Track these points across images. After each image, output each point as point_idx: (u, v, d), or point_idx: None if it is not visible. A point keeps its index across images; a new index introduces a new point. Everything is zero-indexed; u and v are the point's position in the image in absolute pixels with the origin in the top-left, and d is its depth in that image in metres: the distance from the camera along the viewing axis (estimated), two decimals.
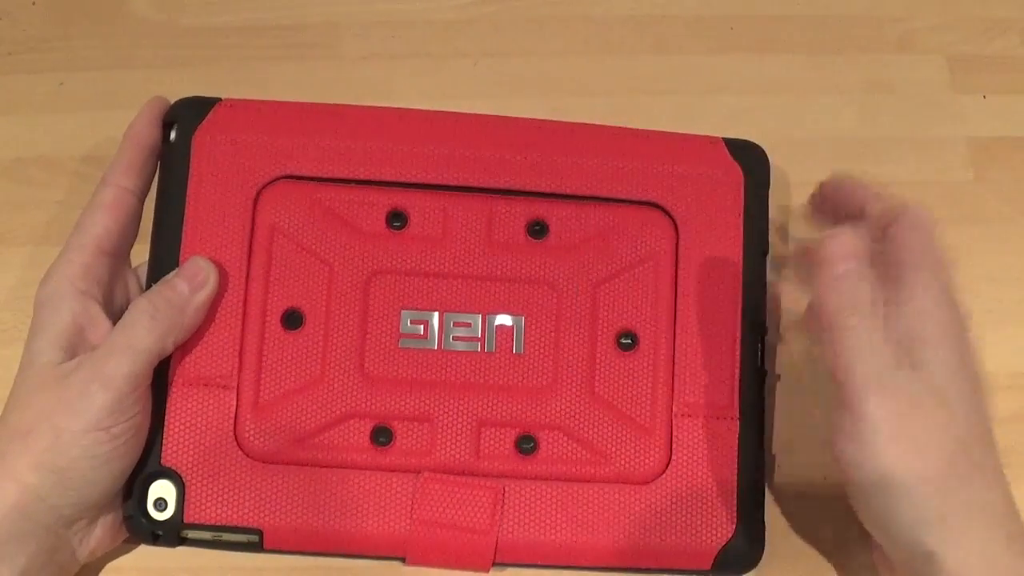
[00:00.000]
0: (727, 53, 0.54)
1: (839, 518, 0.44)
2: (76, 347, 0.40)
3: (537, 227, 0.44)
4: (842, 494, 0.44)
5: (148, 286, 0.42)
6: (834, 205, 0.43)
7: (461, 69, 0.53)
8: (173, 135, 0.44)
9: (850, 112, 0.52)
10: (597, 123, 0.47)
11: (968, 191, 0.50)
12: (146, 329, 0.40)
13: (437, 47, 0.54)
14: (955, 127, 0.52)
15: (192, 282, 0.41)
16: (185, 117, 0.44)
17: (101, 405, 0.38)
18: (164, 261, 0.42)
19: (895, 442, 0.36)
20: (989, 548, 0.36)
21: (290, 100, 0.52)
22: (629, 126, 0.51)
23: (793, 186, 0.50)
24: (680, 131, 0.51)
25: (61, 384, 0.39)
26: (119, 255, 0.43)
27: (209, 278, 0.41)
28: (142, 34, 0.54)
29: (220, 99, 0.44)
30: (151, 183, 0.44)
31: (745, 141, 0.46)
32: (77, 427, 0.38)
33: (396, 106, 0.50)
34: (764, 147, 0.49)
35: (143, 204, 0.44)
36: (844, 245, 0.38)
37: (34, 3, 0.55)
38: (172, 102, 0.45)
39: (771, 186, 0.46)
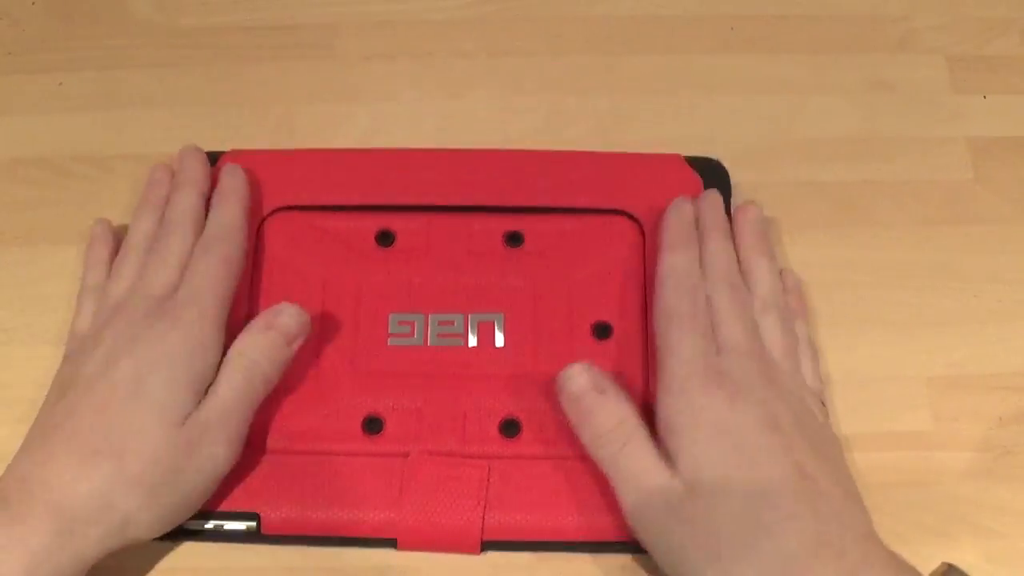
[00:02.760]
0: (727, 53, 0.54)
1: None
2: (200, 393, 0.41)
3: (513, 237, 0.47)
4: None
5: None
6: None
7: (461, 69, 0.53)
8: None
9: (850, 112, 0.52)
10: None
11: (968, 191, 0.50)
12: (261, 392, 0.42)
13: (437, 47, 0.54)
14: (955, 127, 0.52)
15: (288, 336, 0.42)
16: None
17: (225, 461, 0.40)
18: None
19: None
20: None
21: (290, 101, 0.52)
22: (629, 126, 0.52)
23: (794, 186, 0.50)
24: (680, 131, 0.51)
25: (187, 433, 0.39)
26: None
27: (303, 329, 0.43)
28: (142, 34, 0.54)
29: (226, 151, 0.49)
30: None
31: (704, 157, 0.49)
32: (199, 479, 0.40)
33: (396, 106, 0.52)
34: (764, 147, 0.50)
35: None
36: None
37: (34, 3, 0.55)
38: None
39: (731, 194, 0.48)
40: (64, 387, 0.41)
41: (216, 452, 0.40)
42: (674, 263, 0.44)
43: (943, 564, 0.37)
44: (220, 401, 0.40)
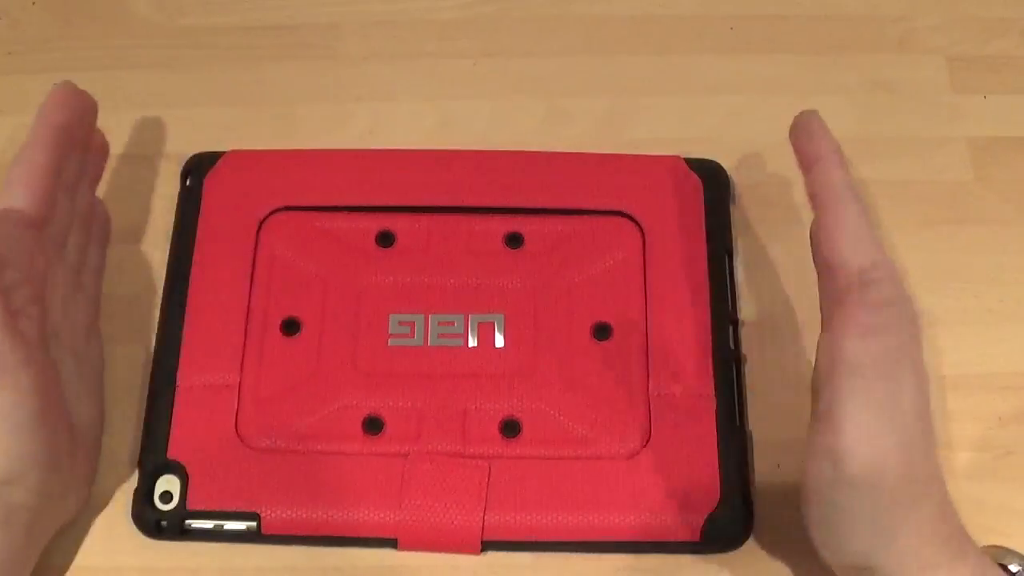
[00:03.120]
0: (727, 53, 0.54)
1: None
2: None
3: (513, 238, 0.47)
4: None
5: (163, 300, 0.46)
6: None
7: (461, 69, 0.53)
8: (188, 181, 0.49)
9: (850, 112, 0.52)
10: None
11: (968, 191, 0.50)
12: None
13: (437, 47, 0.54)
14: (955, 127, 0.52)
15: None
16: (198, 166, 0.49)
17: None
18: (176, 282, 0.46)
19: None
20: (923, 550, 0.35)
21: (290, 101, 0.52)
22: (629, 126, 0.52)
23: (794, 186, 0.50)
24: (680, 131, 0.51)
25: None
26: None
27: None
28: (142, 34, 0.54)
29: (227, 151, 0.49)
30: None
31: (703, 159, 0.49)
32: None
33: (396, 106, 0.52)
34: (764, 147, 0.50)
35: None
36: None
37: (34, 3, 0.55)
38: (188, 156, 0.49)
39: (732, 196, 0.49)
40: None
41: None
42: None
43: (991, 546, 0.37)
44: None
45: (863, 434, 0.35)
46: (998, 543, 0.42)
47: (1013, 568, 0.38)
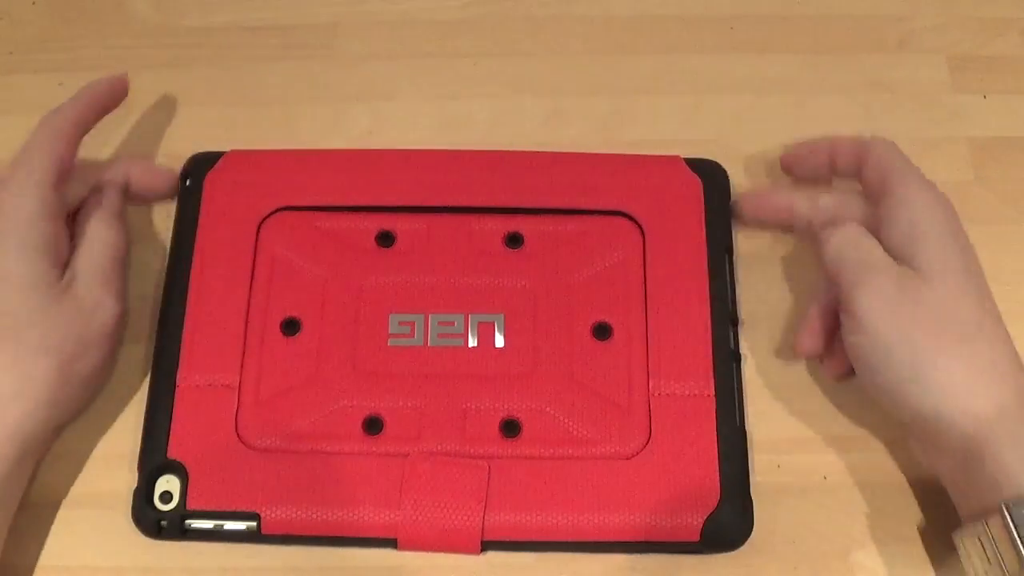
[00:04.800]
0: (727, 53, 0.54)
1: (840, 519, 0.44)
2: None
3: (513, 238, 0.47)
4: (844, 495, 0.44)
5: (163, 300, 0.46)
6: (804, 168, 0.48)
7: (461, 69, 0.53)
8: (188, 181, 0.49)
9: (850, 112, 0.52)
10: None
11: (968, 191, 0.50)
12: (122, 238, 0.46)
13: (437, 47, 0.54)
14: (955, 127, 0.52)
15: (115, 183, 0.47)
16: (198, 166, 0.49)
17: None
18: (176, 282, 0.46)
19: (889, 329, 0.40)
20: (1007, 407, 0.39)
21: (290, 101, 0.52)
22: (629, 126, 0.52)
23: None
24: (680, 132, 0.51)
25: (68, 292, 0.42)
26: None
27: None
28: (142, 34, 0.54)
29: (227, 151, 0.49)
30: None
31: (702, 159, 0.49)
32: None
33: (396, 106, 0.52)
34: (764, 147, 0.50)
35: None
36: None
37: (34, 3, 0.55)
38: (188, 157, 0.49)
39: (731, 195, 0.49)
40: None
41: (103, 301, 0.43)
42: None
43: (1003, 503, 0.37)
44: (86, 253, 0.44)
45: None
46: None
47: None
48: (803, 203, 0.45)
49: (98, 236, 0.45)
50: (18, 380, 0.40)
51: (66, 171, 0.44)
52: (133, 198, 0.48)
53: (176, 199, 0.48)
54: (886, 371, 0.40)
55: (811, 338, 0.45)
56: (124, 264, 0.46)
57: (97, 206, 0.46)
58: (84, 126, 0.46)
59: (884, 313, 0.40)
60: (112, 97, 0.47)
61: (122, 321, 0.45)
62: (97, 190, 0.46)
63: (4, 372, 0.40)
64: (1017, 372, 0.40)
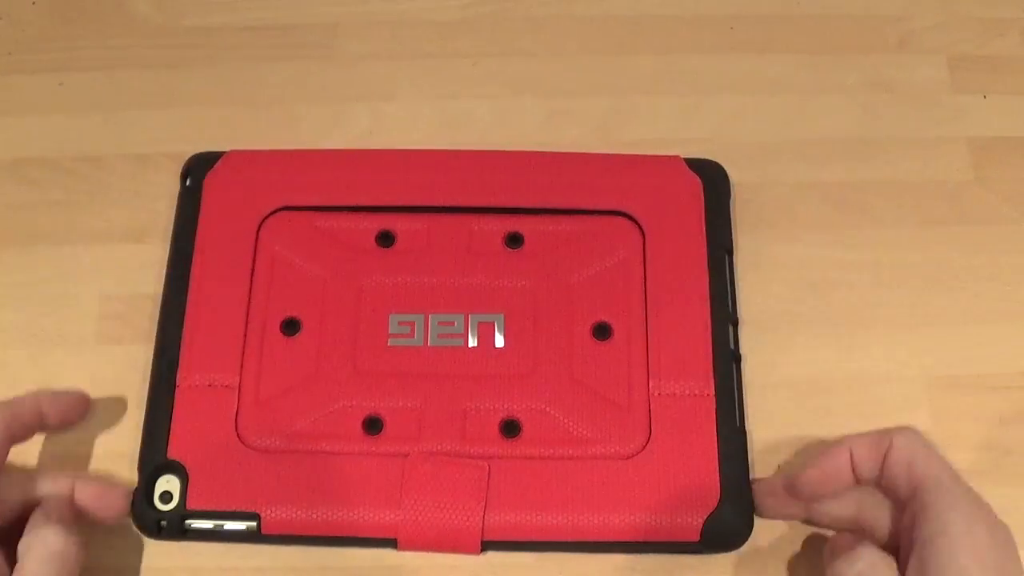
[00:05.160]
0: (727, 53, 0.54)
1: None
2: None
3: (513, 238, 0.47)
4: None
5: (163, 300, 0.46)
6: (815, 491, 0.40)
7: (461, 69, 0.53)
8: (188, 181, 0.48)
9: (850, 112, 0.52)
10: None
11: (968, 191, 0.50)
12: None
13: (437, 47, 0.54)
14: (955, 127, 0.52)
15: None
16: (198, 166, 0.49)
17: None
18: (176, 282, 0.46)
19: None
20: None
21: (290, 101, 0.52)
22: (629, 126, 0.52)
23: (794, 186, 0.50)
24: (680, 132, 0.51)
25: None
26: None
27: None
28: (142, 34, 0.54)
29: (227, 151, 0.49)
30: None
31: (702, 159, 0.49)
32: None
33: (396, 106, 0.52)
34: (764, 147, 0.50)
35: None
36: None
37: (34, 3, 0.55)
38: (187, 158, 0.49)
39: (732, 196, 0.48)
40: None
41: None
42: None
43: None
44: (29, 568, 0.37)
45: None
46: None
47: None
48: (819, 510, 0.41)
49: (44, 546, 0.38)
50: None
51: None
52: (82, 518, 0.41)
53: (176, 199, 0.48)
54: None
55: (809, 487, 0.40)
56: None
57: (42, 514, 0.39)
58: (16, 436, 0.41)
59: None
60: (70, 414, 0.43)
61: None
62: (43, 501, 0.40)
63: None
64: None
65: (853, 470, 0.39)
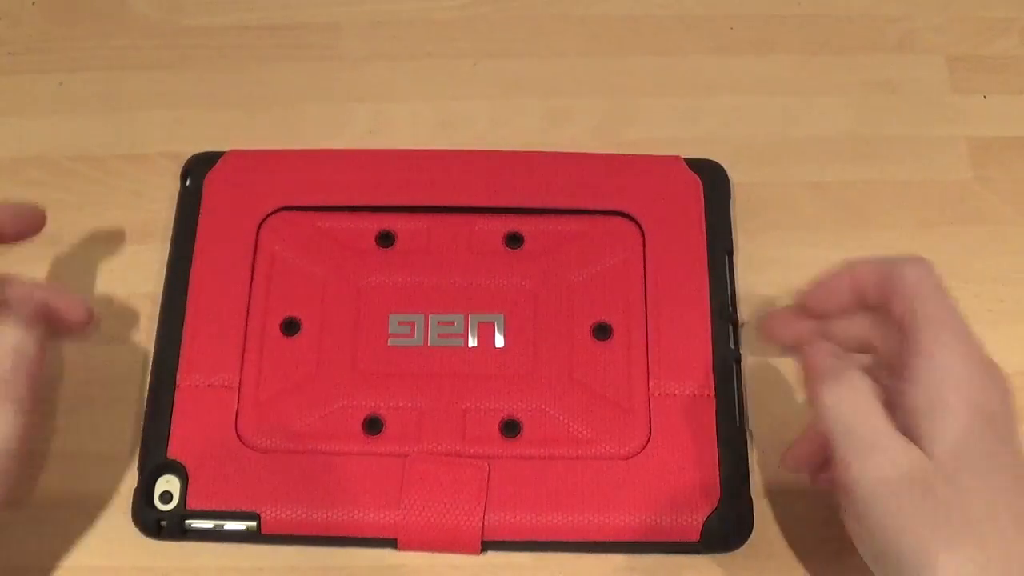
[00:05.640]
0: (727, 53, 0.54)
1: (840, 520, 0.44)
2: None
3: (513, 238, 0.47)
4: None
5: (163, 300, 0.46)
6: (825, 310, 0.40)
7: (461, 69, 0.53)
8: (188, 181, 0.49)
9: (850, 112, 0.52)
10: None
11: (968, 191, 0.50)
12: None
13: (437, 47, 0.54)
14: (955, 127, 0.52)
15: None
16: (198, 166, 0.49)
17: None
18: (176, 282, 0.46)
19: (887, 521, 0.34)
20: None
21: (290, 101, 0.52)
22: (629, 126, 0.52)
23: (794, 186, 0.50)
24: (680, 131, 0.51)
25: None
26: None
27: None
28: (142, 34, 0.54)
29: (227, 151, 0.49)
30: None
31: (702, 159, 0.49)
32: None
33: (396, 106, 0.52)
34: (764, 147, 0.50)
35: None
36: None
37: (34, 3, 0.55)
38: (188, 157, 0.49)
39: (732, 196, 0.49)
40: None
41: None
42: None
43: None
44: None
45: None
46: None
47: None
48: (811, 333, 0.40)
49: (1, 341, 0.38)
50: None
51: None
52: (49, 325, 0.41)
53: (176, 199, 0.49)
54: (884, 565, 0.36)
55: (795, 462, 0.42)
56: (34, 376, 0.39)
57: (2, 309, 0.40)
58: None
59: (882, 500, 0.35)
60: (22, 222, 0.42)
61: (27, 437, 0.38)
62: (1, 303, 0.40)
63: None
64: None
65: (860, 296, 0.38)
